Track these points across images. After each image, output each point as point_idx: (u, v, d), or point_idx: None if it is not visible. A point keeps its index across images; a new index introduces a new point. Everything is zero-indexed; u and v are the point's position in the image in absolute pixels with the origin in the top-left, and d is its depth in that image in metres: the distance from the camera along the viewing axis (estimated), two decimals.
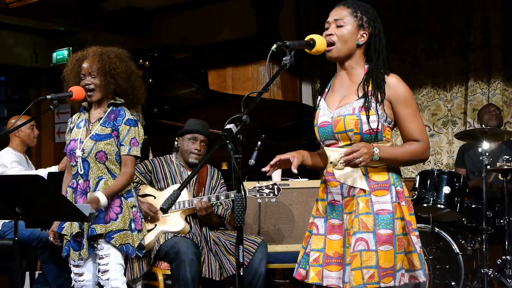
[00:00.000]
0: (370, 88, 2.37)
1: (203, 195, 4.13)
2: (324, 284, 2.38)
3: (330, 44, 2.41)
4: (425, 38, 5.72)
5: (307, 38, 2.39)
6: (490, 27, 5.37)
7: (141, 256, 3.47)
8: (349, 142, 2.38)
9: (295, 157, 2.47)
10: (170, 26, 7.13)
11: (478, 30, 5.42)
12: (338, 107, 2.41)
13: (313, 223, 2.51)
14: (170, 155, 4.26)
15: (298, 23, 6.48)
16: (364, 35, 2.41)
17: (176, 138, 4.28)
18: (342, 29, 2.40)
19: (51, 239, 3.40)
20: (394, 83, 2.38)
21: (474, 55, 5.45)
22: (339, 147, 2.41)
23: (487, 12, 5.39)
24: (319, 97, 2.54)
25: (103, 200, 3.17)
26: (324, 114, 2.45)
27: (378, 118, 2.34)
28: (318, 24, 6.21)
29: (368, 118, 2.33)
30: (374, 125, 2.34)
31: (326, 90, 2.53)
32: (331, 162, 2.43)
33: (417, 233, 2.39)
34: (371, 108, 2.34)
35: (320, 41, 2.39)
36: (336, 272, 2.37)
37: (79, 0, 6.39)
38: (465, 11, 5.51)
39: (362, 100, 2.36)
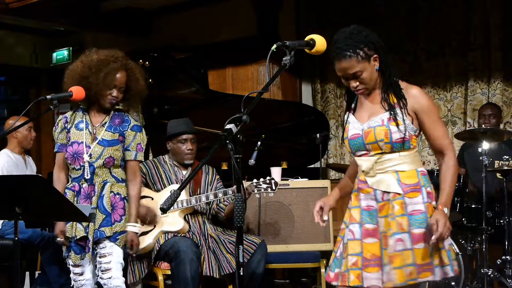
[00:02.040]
0: (395, 100, 2.52)
1: (200, 192, 4.14)
2: (365, 286, 2.50)
3: (360, 89, 2.55)
4: (425, 38, 5.72)
5: (307, 38, 2.40)
6: (490, 27, 5.37)
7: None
8: (379, 151, 2.52)
9: (326, 205, 2.73)
10: (170, 26, 7.13)
11: (478, 30, 5.43)
12: (368, 120, 2.56)
13: (344, 229, 2.63)
14: (163, 156, 4.28)
15: (298, 23, 6.48)
16: (376, 59, 2.52)
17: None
18: (363, 75, 2.51)
19: (61, 239, 3.31)
20: (417, 94, 2.54)
21: (474, 55, 5.45)
22: (369, 156, 2.55)
23: (487, 12, 5.39)
24: (347, 112, 2.67)
25: (137, 229, 3.32)
26: (354, 127, 2.59)
27: (405, 128, 2.49)
28: (318, 24, 6.23)
29: (397, 127, 2.48)
30: (402, 135, 2.49)
31: (353, 105, 2.67)
32: (363, 171, 2.57)
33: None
34: (398, 118, 2.49)
35: (320, 41, 2.39)
36: (375, 273, 2.49)
37: (79, 0, 6.38)
38: (465, 11, 5.51)
39: (390, 112, 2.51)
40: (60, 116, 3.43)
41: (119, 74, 3.27)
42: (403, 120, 2.49)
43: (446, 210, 2.45)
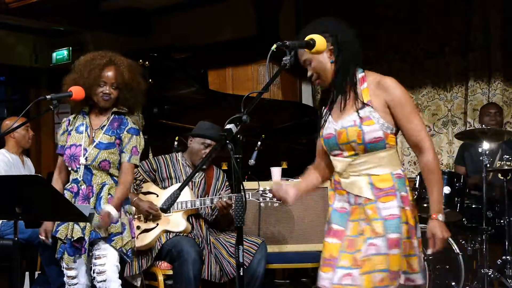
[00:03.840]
0: (369, 98, 2.41)
1: (209, 196, 4.13)
2: (319, 285, 2.46)
3: (314, 80, 2.51)
4: (425, 38, 5.72)
5: (307, 38, 2.40)
6: (490, 27, 5.37)
7: (128, 260, 3.46)
8: (353, 152, 2.43)
9: (290, 192, 2.63)
10: (170, 26, 7.13)
11: (478, 30, 5.42)
12: (340, 119, 2.47)
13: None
14: (176, 154, 4.24)
15: (298, 23, 6.47)
16: (330, 50, 2.45)
17: (177, 138, 4.27)
18: (313, 65, 2.47)
19: (43, 238, 3.35)
20: (389, 86, 2.41)
21: (474, 55, 5.45)
22: (344, 157, 2.46)
23: (487, 12, 5.38)
24: (324, 108, 2.58)
25: (114, 213, 3.22)
26: (329, 126, 2.51)
27: (380, 127, 2.39)
28: None
29: (370, 127, 2.38)
30: (376, 134, 2.39)
31: (329, 101, 2.56)
32: (337, 172, 2.50)
33: (419, 237, 2.47)
34: (371, 117, 2.40)
35: (320, 41, 2.38)
36: (328, 274, 2.44)
37: (79, 0, 6.38)
38: (465, 11, 5.51)
39: (362, 111, 2.41)
40: (64, 119, 3.47)
41: (106, 69, 3.27)
42: (376, 119, 2.39)
43: (441, 217, 2.39)
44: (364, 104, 2.41)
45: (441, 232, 2.37)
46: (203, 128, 4.18)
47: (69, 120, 3.43)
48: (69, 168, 3.34)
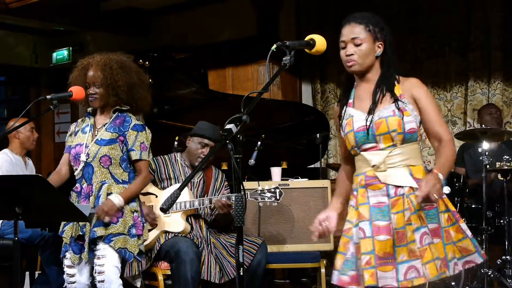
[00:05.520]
0: (401, 91, 2.48)
1: (208, 196, 4.13)
2: (380, 285, 2.41)
3: (351, 60, 2.49)
4: (425, 38, 5.72)
5: (307, 38, 2.40)
6: (490, 27, 5.37)
7: (140, 260, 3.49)
8: (391, 144, 2.46)
9: (331, 218, 2.61)
10: (170, 26, 7.13)
11: (478, 30, 5.43)
12: (377, 111, 2.49)
13: (351, 228, 2.53)
14: (175, 154, 4.24)
15: (298, 23, 6.48)
16: (380, 45, 2.52)
17: (177, 138, 4.27)
18: (361, 47, 2.49)
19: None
20: (415, 82, 2.52)
21: (474, 55, 5.45)
22: (379, 149, 2.48)
23: (487, 12, 5.39)
24: (345, 107, 2.59)
25: (117, 201, 3.21)
26: (360, 119, 2.51)
27: (414, 119, 2.46)
28: (318, 24, 6.22)
29: (408, 118, 2.44)
30: (412, 125, 2.45)
31: (351, 100, 2.59)
32: (373, 166, 2.49)
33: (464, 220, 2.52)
34: (408, 109, 2.46)
35: (320, 41, 2.39)
36: (390, 272, 2.41)
37: (79, 0, 6.38)
38: (465, 11, 5.51)
39: (398, 102, 2.47)
40: (74, 123, 3.54)
41: (90, 71, 3.30)
42: (411, 110, 2.45)
43: (441, 176, 2.36)
44: (399, 97, 2.47)
45: (435, 182, 2.31)
46: (201, 128, 4.18)
47: (77, 122, 3.50)
48: (74, 168, 3.37)
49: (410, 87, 2.49)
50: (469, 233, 2.49)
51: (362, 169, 2.53)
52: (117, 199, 3.21)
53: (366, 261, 2.43)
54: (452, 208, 2.50)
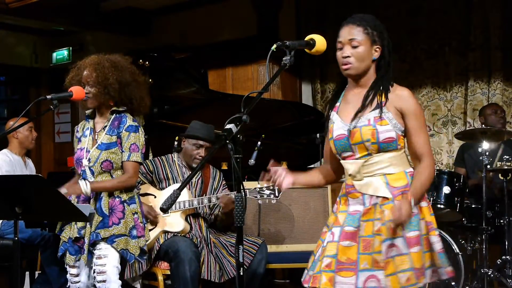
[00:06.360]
0: (383, 99, 2.44)
1: (206, 196, 4.13)
2: None
3: (347, 63, 2.47)
4: (425, 38, 5.72)
5: (307, 38, 2.40)
6: (490, 27, 5.37)
7: (141, 261, 3.49)
8: (366, 153, 2.44)
9: (286, 178, 2.56)
10: (170, 26, 7.13)
11: (478, 30, 5.42)
12: (354, 119, 2.47)
13: (327, 232, 2.55)
14: (172, 155, 4.24)
15: (298, 23, 6.48)
16: (377, 49, 2.48)
17: (177, 138, 4.27)
18: (358, 49, 2.46)
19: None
20: (406, 96, 2.46)
21: (474, 55, 5.45)
22: (356, 158, 2.47)
23: (487, 12, 5.39)
24: (331, 111, 2.58)
25: (84, 188, 3.20)
26: (339, 127, 2.50)
27: (393, 128, 2.42)
28: (318, 24, 6.22)
29: (384, 127, 2.41)
30: (389, 134, 2.42)
31: (338, 104, 2.57)
32: (350, 175, 2.49)
33: (437, 232, 2.48)
34: (385, 118, 2.42)
35: (320, 41, 2.39)
36: (349, 278, 2.40)
37: (79, 0, 6.38)
38: (465, 11, 5.51)
39: (377, 110, 2.43)
40: (75, 127, 3.54)
41: (84, 71, 3.30)
42: (390, 119, 2.42)
43: (412, 202, 2.35)
44: (379, 106, 2.43)
45: (406, 207, 2.31)
46: (194, 128, 4.17)
47: (78, 127, 3.49)
48: (77, 172, 3.37)
49: (398, 99, 2.44)
50: (438, 246, 2.45)
51: (345, 177, 2.55)
52: (85, 187, 3.20)
53: (327, 264, 2.45)
54: (428, 218, 2.46)
